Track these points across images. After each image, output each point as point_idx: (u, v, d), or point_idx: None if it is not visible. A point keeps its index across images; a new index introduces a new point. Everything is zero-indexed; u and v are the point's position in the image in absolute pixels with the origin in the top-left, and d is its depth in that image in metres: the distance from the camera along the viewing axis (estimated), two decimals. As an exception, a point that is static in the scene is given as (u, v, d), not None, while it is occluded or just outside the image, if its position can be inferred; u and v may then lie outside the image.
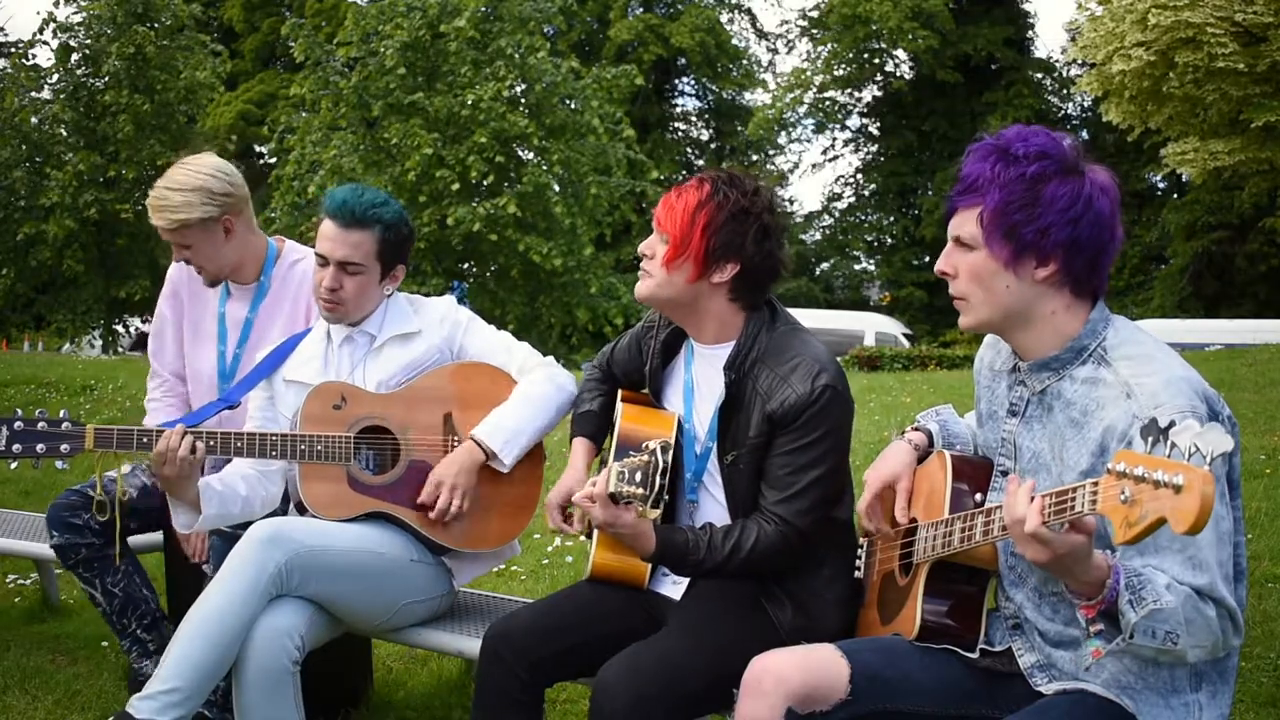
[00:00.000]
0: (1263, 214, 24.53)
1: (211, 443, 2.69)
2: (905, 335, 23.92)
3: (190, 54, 21.19)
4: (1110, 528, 1.57)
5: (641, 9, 35.04)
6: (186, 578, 3.26)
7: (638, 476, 2.13)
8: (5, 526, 4.00)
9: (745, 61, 37.21)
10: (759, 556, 2.31)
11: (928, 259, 33.02)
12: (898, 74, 35.80)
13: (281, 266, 3.32)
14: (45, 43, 20.98)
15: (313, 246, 2.94)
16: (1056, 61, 34.39)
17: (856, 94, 36.87)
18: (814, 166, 65.59)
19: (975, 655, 2.11)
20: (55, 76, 21.13)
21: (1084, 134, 30.64)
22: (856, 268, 37.79)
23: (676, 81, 37.42)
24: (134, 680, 3.28)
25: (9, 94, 20.40)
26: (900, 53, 34.83)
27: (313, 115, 20.79)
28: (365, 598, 2.68)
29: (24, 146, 20.60)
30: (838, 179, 45.93)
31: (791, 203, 37.66)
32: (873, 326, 23.30)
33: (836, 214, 37.52)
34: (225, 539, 2.84)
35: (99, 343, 23.71)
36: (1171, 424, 1.52)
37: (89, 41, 20.87)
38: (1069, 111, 34.59)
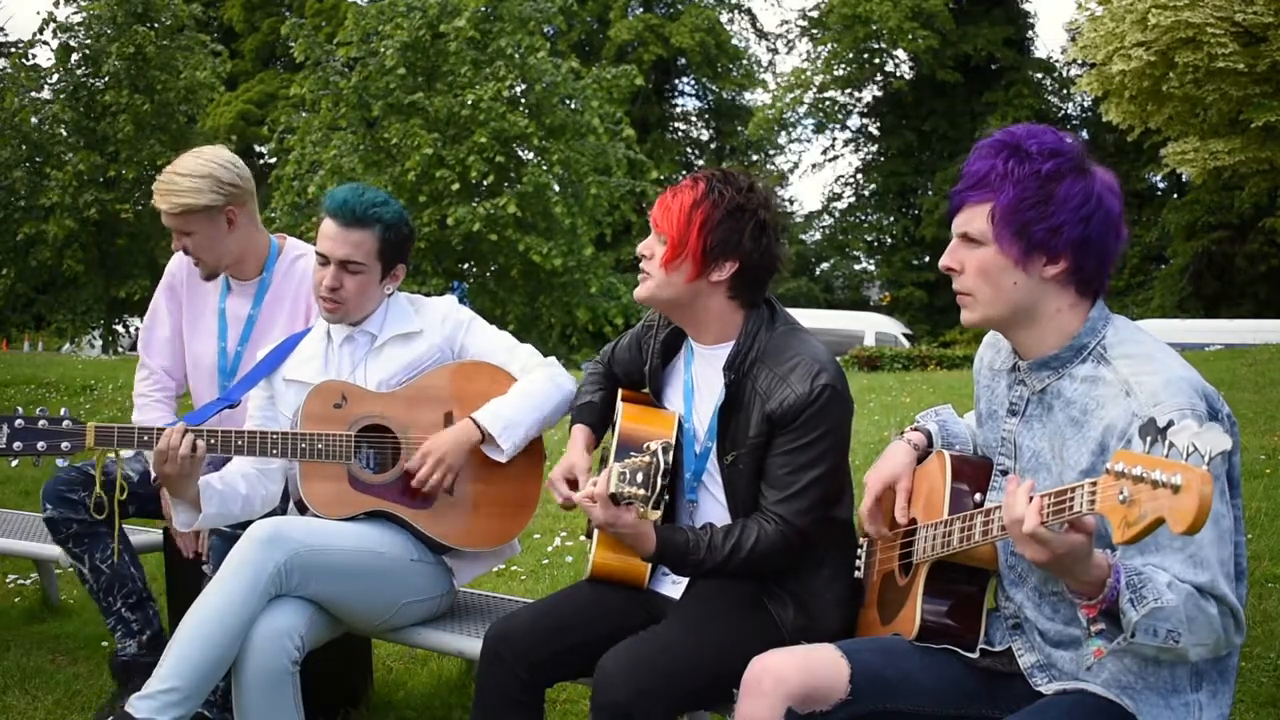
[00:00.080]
0: (1263, 214, 24.55)
1: (212, 441, 2.69)
2: (905, 335, 23.94)
3: (190, 54, 21.21)
4: (1109, 528, 1.57)
5: (641, 9, 35.06)
6: (186, 578, 3.25)
7: (639, 477, 2.13)
8: (5, 526, 4.00)
9: (745, 61, 37.23)
10: (759, 556, 2.31)
11: (928, 259, 33.05)
12: (898, 74, 35.82)
13: (283, 262, 3.34)
14: (45, 43, 21.04)
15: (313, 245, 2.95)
16: (1056, 61, 34.47)
17: (856, 94, 36.92)
18: (814, 166, 65.87)
19: (975, 655, 2.11)
20: (55, 76, 21.14)
21: (1084, 134, 30.60)
22: (856, 268, 37.82)
23: (676, 81, 37.45)
24: (115, 660, 3.28)
25: (9, 94, 20.40)
26: (900, 53, 34.86)
27: (313, 115, 20.81)
28: (365, 597, 2.68)
29: (24, 146, 20.61)
30: (838, 179, 46.06)
31: (791, 203, 37.74)
32: (873, 326, 23.33)
33: (836, 214, 37.58)
34: (225, 539, 2.83)
35: (99, 343, 23.72)
36: (1170, 423, 1.52)
37: (89, 41, 20.88)
38: (1069, 111, 34.64)
